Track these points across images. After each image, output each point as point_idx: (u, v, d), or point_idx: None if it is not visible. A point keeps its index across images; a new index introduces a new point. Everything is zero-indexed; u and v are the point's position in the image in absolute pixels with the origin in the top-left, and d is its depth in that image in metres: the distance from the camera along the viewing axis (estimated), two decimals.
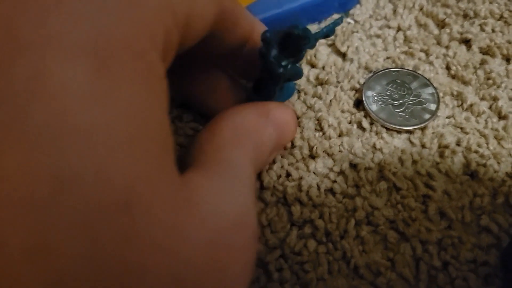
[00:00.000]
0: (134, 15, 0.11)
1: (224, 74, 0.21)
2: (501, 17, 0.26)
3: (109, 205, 0.10)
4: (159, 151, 0.11)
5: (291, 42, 0.17)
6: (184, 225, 0.11)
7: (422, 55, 0.25)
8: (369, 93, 0.23)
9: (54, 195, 0.09)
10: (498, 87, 0.23)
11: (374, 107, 0.22)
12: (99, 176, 0.09)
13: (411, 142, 0.22)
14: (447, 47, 0.25)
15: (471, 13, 0.26)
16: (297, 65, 0.18)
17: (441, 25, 0.26)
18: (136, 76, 0.11)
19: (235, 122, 0.17)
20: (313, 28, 0.26)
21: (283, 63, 0.17)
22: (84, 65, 0.10)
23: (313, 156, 0.21)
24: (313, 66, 0.25)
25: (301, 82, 0.24)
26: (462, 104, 0.23)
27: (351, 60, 0.25)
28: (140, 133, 0.11)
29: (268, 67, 0.17)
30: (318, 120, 0.22)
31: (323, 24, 0.26)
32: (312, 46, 0.17)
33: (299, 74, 0.19)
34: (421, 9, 0.27)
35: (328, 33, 0.18)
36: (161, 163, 0.11)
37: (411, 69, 0.24)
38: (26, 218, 0.09)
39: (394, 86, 0.23)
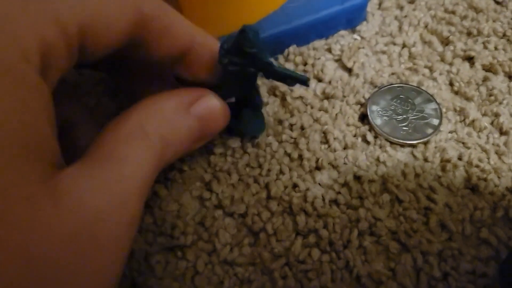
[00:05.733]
0: (2, 30, 0.12)
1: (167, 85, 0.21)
2: (504, 35, 0.27)
3: None
4: (19, 153, 0.12)
5: (240, 42, 0.17)
6: (41, 216, 0.12)
7: (426, 71, 0.26)
8: (374, 107, 0.24)
9: None
10: (500, 103, 0.24)
11: (378, 121, 0.23)
12: None
13: (414, 156, 0.23)
14: (450, 64, 0.26)
15: (475, 31, 0.27)
16: (252, 69, 0.19)
17: (445, 42, 0.27)
18: (7, 91, 0.12)
19: (144, 114, 0.17)
20: (320, 43, 0.27)
21: (234, 61, 0.18)
22: None
23: (318, 168, 0.22)
24: (319, 80, 0.26)
25: (308, 96, 0.25)
26: (464, 120, 0.24)
27: (357, 75, 0.25)
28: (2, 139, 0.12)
29: (224, 70, 0.18)
30: (324, 133, 0.23)
31: (330, 40, 0.27)
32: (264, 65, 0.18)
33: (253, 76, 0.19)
34: (426, 26, 0.28)
35: (290, 77, 0.19)
36: (19, 163, 0.12)
37: (415, 85, 0.25)
38: None
39: (398, 101, 0.24)
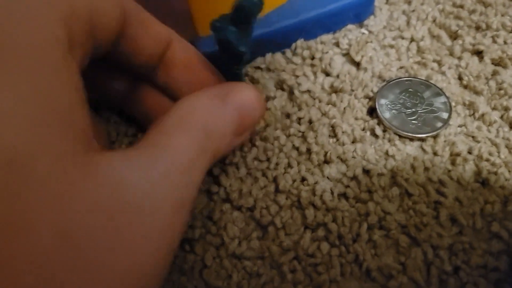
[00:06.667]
0: (28, 9, 0.13)
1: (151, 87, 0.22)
2: None
3: None
4: (53, 123, 0.12)
5: (242, 15, 0.17)
6: (74, 188, 0.12)
7: (435, 65, 0.26)
8: (383, 101, 0.24)
9: None
10: (510, 97, 0.24)
11: (387, 114, 0.23)
12: None
13: (423, 149, 0.22)
14: (459, 58, 0.26)
15: (484, 25, 0.27)
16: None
17: (454, 36, 0.27)
18: (29, 64, 0.12)
19: (184, 108, 0.17)
20: (328, 37, 0.27)
21: (243, 39, 0.18)
22: None
23: (327, 162, 0.22)
24: (327, 74, 0.25)
25: (316, 90, 0.25)
26: (474, 114, 0.24)
27: (365, 69, 0.25)
28: (31, 109, 0.12)
29: (231, 50, 0.18)
30: (332, 126, 0.23)
31: (338, 34, 0.27)
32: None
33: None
34: (434, 20, 0.28)
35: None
36: (53, 134, 0.12)
37: (423, 78, 0.25)
38: None
39: (407, 95, 0.24)
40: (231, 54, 0.18)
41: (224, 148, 0.18)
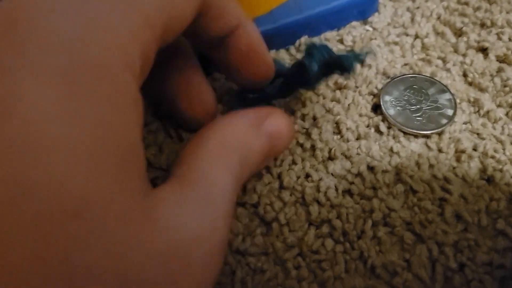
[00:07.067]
0: (107, 39, 0.12)
1: (198, 76, 0.21)
2: None
3: (60, 211, 0.11)
4: (120, 166, 0.12)
5: (331, 67, 0.19)
6: (137, 235, 0.12)
7: (439, 62, 0.25)
8: (387, 97, 0.23)
9: (12, 198, 0.10)
10: None
11: (391, 111, 0.23)
12: (53, 186, 0.11)
13: (428, 146, 0.22)
14: (464, 55, 0.26)
15: (488, 22, 0.27)
16: None
17: (458, 33, 0.27)
18: (104, 97, 0.12)
19: (223, 134, 0.17)
20: (332, 34, 0.27)
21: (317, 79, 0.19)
22: (55, 87, 0.11)
23: (331, 158, 0.22)
24: None
25: (320, 87, 0.24)
26: (479, 111, 0.23)
27: (369, 66, 0.25)
28: (100, 150, 0.11)
29: (303, 77, 0.19)
30: (336, 123, 0.23)
31: (342, 31, 0.27)
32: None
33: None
34: (438, 17, 0.28)
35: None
36: (120, 178, 0.12)
37: (428, 75, 0.25)
38: None
39: (412, 91, 0.24)
40: (296, 78, 0.19)
41: (252, 173, 0.18)
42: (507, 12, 0.27)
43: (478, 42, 0.26)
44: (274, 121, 0.18)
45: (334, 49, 0.25)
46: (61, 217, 0.11)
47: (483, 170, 0.21)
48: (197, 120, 0.21)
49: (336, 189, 0.21)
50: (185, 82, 0.20)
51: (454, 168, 0.21)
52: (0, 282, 0.10)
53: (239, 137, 0.17)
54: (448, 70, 0.25)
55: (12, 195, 0.10)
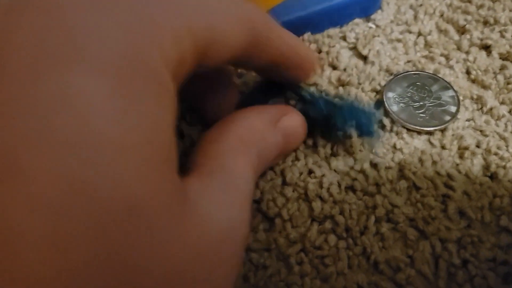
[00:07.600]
0: (151, 37, 0.12)
1: (224, 74, 0.21)
2: None
3: (116, 209, 0.11)
4: (164, 162, 0.12)
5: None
6: (182, 233, 0.12)
7: (443, 59, 0.25)
8: (390, 94, 0.23)
9: (70, 197, 0.10)
10: None
11: (395, 108, 0.23)
12: (109, 184, 0.11)
13: (431, 143, 0.22)
14: (467, 52, 0.26)
15: (491, 20, 0.27)
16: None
17: (462, 31, 0.27)
18: (150, 93, 0.12)
19: (243, 128, 0.17)
20: (335, 31, 0.27)
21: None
22: (107, 82, 0.11)
23: (334, 155, 0.22)
24: (334, 68, 0.25)
25: (323, 83, 0.24)
26: (482, 108, 0.23)
27: (372, 63, 0.25)
28: (149, 147, 0.12)
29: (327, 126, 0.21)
30: None
31: (345, 28, 0.27)
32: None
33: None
34: (441, 15, 0.28)
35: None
36: (165, 174, 0.12)
37: (431, 72, 0.25)
38: (44, 215, 0.10)
39: (415, 88, 0.24)
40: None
41: (265, 169, 0.18)
42: (510, 10, 0.27)
43: (481, 39, 0.26)
44: (290, 120, 0.19)
45: (337, 46, 0.26)
46: (116, 216, 0.11)
47: (486, 166, 0.21)
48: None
49: (339, 185, 0.21)
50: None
51: (457, 164, 0.21)
52: (63, 282, 0.10)
53: (257, 133, 0.17)
54: (451, 67, 0.25)
55: (71, 195, 0.10)
